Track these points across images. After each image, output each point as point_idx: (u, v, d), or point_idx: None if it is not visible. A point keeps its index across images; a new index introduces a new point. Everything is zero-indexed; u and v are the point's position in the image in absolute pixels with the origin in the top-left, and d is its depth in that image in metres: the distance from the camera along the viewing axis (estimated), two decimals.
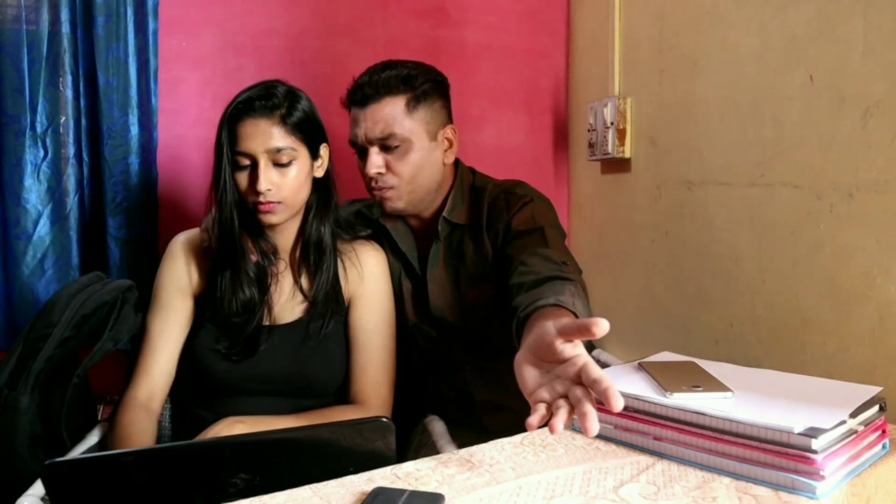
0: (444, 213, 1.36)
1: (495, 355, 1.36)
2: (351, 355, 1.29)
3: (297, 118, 1.20)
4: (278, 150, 1.17)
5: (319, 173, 1.27)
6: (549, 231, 1.27)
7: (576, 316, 0.98)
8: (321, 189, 1.28)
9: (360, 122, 1.32)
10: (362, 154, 1.34)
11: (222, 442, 0.99)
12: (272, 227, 1.23)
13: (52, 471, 0.83)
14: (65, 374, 1.20)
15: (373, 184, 1.33)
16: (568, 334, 0.80)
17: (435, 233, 1.38)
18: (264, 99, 1.18)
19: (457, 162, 1.42)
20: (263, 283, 1.25)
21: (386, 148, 1.31)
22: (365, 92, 1.30)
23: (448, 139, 1.36)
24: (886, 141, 1.07)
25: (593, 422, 0.72)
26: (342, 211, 1.47)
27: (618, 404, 0.71)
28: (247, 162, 1.18)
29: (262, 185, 1.16)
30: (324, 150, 1.27)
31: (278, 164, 1.18)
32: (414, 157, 1.31)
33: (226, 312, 1.22)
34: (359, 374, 1.27)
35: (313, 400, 1.25)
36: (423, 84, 1.32)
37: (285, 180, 1.19)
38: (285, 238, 1.28)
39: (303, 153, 1.21)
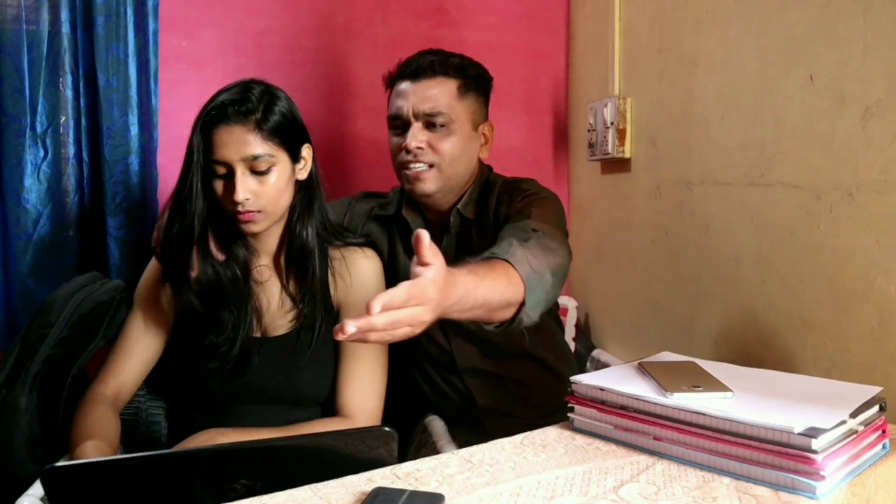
0: (459, 206, 1.35)
1: (500, 359, 1.36)
2: (337, 366, 1.25)
3: (275, 122, 1.15)
4: (255, 158, 1.12)
5: (302, 175, 1.22)
6: (537, 200, 1.26)
7: (518, 272, 1.00)
8: (304, 191, 1.23)
9: (408, 95, 1.30)
10: (403, 129, 1.31)
11: (223, 448, 0.99)
12: (254, 235, 1.20)
13: (52, 476, 0.83)
14: (63, 374, 1.20)
15: (409, 158, 1.30)
16: (417, 253, 0.81)
17: (446, 227, 1.37)
18: (238, 104, 1.13)
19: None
20: (237, 296, 1.20)
21: (430, 125, 1.30)
22: (420, 64, 1.31)
23: (485, 135, 1.37)
24: (886, 141, 1.07)
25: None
26: (357, 204, 1.45)
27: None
28: (223, 170, 1.13)
29: (240, 195, 1.11)
30: (306, 151, 1.22)
31: (256, 172, 1.13)
32: (456, 141, 1.31)
33: (209, 334, 1.19)
34: (344, 385, 1.23)
35: (305, 408, 1.25)
36: (475, 75, 1.35)
37: (264, 188, 1.14)
38: (269, 243, 1.24)
39: (282, 158, 1.16)
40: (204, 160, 1.14)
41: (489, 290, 0.95)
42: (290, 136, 1.18)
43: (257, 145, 1.13)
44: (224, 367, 1.19)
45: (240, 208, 1.13)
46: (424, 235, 0.79)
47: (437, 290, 0.81)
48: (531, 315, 1.05)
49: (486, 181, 1.40)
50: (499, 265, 1.01)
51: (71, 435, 1.10)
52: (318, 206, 1.25)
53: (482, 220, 1.35)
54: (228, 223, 1.18)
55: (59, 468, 0.85)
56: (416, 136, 1.29)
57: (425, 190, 1.32)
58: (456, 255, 1.36)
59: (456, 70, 1.32)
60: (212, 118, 1.13)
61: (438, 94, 1.30)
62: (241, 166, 1.13)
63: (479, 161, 1.40)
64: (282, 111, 1.17)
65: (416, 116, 1.30)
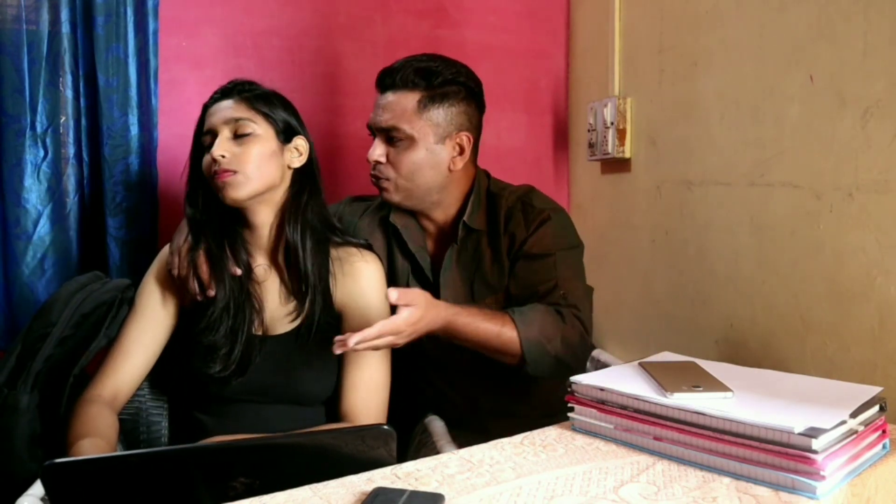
0: (465, 218, 1.34)
1: (503, 364, 1.35)
2: (342, 371, 1.24)
3: (265, 102, 1.20)
4: (236, 120, 1.16)
5: (296, 163, 1.22)
6: (560, 256, 1.30)
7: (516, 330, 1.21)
8: (300, 183, 1.23)
9: (375, 107, 1.32)
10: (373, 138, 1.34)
11: (223, 446, 0.98)
12: (236, 205, 1.18)
13: (52, 472, 0.83)
14: (64, 373, 1.20)
15: (372, 170, 1.33)
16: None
17: (450, 237, 1.36)
18: (237, 85, 1.21)
19: (475, 166, 1.40)
20: (240, 301, 1.21)
21: (390, 139, 1.30)
22: (385, 80, 1.31)
23: (459, 145, 1.32)
24: (886, 141, 1.07)
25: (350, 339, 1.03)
26: (346, 208, 1.45)
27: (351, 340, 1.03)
28: (209, 140, 1.17)
29: (217, 151, 1.14)
30: (300, 142, 1.23)
31: (238, 137, 1.16)
32: (415, 156, 1.29)
33: (209, 336, 1.19)
34: (349, 391, 1.23)
35: (308, 408, 1.24)
36: (445, 84, 1.30)
37: (243, 151, 1.16)
38: (262, 236, 1.23)
39: (265, 128, 1.18)
40: (197, 141, 1.19)
41: (479, 330, 1.21)
42: (278, 116, 1.21)
43: (240, 111, 1.18)
44: (225, 371, 1.18)
45: (216, 167, 1.15)
46: (392, 294, 1.06)
47: (408, 323, 1.09)
48: (538, 373, 1.24)
49: (487, 190, 1.38)
50: (500, 317, 1.22)
51: (67, 435, 1.09)
52: (316, 199, 1.25)
53: (493, 233, 1.35)
54: (215, 200, 1.19)
55: (59, 464, 0.84)
56: (375, 151, 1.31)
57: (390, 200, 1.34)
58: (460, 264, 1.36)
59: (421, 79, 1.28)
60: (213, 100, 1.20)
61: (396, 109, 1.28)
62: (223, 129, 1.17)
63: (473, 168, 1.38)
64: (278, 99, 1.22)
65: (378, 130, 1.31)
